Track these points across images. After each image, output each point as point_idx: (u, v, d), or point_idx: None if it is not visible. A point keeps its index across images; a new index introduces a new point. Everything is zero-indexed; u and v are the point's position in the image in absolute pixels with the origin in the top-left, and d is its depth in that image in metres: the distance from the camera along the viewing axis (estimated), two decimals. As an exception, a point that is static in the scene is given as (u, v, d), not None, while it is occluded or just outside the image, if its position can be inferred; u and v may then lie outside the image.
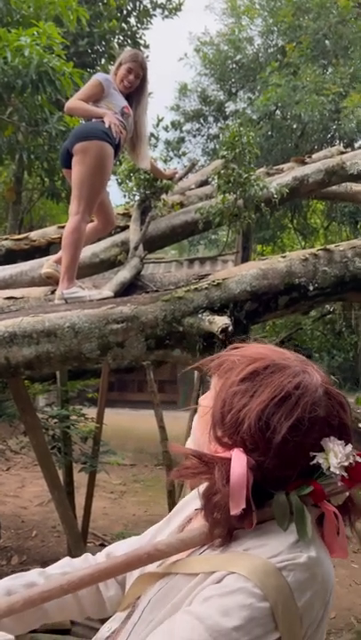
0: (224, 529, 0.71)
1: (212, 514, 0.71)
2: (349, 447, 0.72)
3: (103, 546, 4.40)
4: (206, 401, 0.82)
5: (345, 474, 0.71)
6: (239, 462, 0.69)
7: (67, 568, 0.95)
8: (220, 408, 0.75)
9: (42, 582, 0.90)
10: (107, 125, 2.92)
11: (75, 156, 2.92)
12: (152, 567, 0.78)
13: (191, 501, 0.91)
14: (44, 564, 3.92)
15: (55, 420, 3.94)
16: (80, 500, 4.06)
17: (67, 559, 0.99)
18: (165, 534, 0.89)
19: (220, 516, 0.70)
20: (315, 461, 0.71)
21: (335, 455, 0.71)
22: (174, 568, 0.75)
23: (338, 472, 0.70)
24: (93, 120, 3.01)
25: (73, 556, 3.51)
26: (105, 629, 0.83)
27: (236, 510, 0.67)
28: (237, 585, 0.65)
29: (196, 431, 0.84)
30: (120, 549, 0.99)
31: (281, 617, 0.64)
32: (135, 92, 3.21)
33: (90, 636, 0.90)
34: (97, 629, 0.87)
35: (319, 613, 0.68)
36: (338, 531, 0.73)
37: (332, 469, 0.70)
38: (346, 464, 0.71)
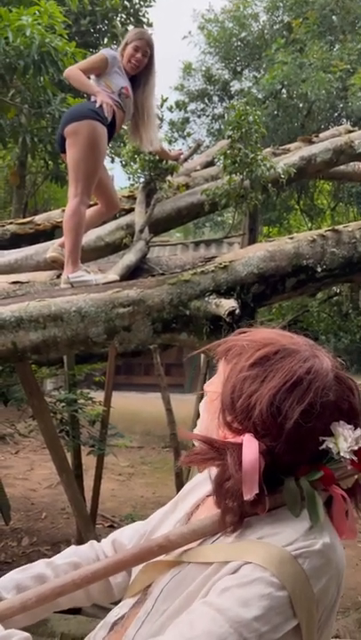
0: (236, 515, 0.71)
1: (225, 500, 0.71)
2: (359, 431, 0.72)
3: (112, 527, 4.46)
4: (213, 386, 0.82)
5: (355, 457, 0.71)
6: (251, 447, 0.69)
7: (74, 557, 0.95)
8: (230, 393, 0.75)
9: (49, 573, 0.90)
10: (97, 104, 2.88)
11: (67, 138, 2.89)
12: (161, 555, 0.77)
13: (198, 485, 0.91)
14: (54, 545, 4.00)
15: (63, 404, 3.95)
16: (89, 482, 4.09)
17: (72, 548, 0.99)
18: (172, 519, 0.89)
19: (232, 502, 0.70)
20: (324, 446, 0.71)
21: (345, 439, 0.71)
22: (186, 557, 0.74)
23: (348, 456, 0.70)
24: (91, 98, 2.96)
25: (82, 537, 3.53)
26: (113, 614, 0.83)
27: (249, 495, 0.67)
28: (255, 575, 0.65)
29: (204, 417, 0.83)
30: (125, 535, 0.99)
31: (299, 604, 0.64)
32: (142, 72, 3.15)
33: (101, 615, 0.90)
34: (107, 609, 0.88)
35: (333, 597, 0.69)
36: (346, 513, 0.73)
37: (342, 454, 0.71)
38: (356, 448, 0.71)
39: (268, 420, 0.71)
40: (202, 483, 0.89)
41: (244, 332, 0.82)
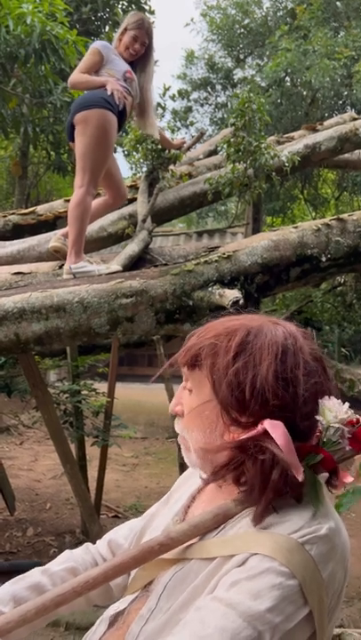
0: (286, 497, 0.69)
1: (272, 492, 0.68)
2: (346, 405, 0.72)
3: (116, 517, 4.47)
4: (195, 399, 0.78)
5: (346, 429, 0.71)
6: (279, 430, 0.68)
7: (69, 563, 0.92)
8: (230, 392, 0.72)
9: (46, 581, 0.87)
10: (109, 92, 2.84)
11: (76, 126, 2.85)
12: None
13: (191, 476, 0.89)
14: (59, 535, 4.02)
15: (66, 395, 3.95)
16: (93, 472, 4.11)
17: (67, 552, 0.96)
18: (166, 512, 0.87)
19: (279, 491, 0.68)
20: (316, 417, 0.71)
21: (330, 410, 0.71)
22: (188, 553, 0.73)
23: (338, 425, 0.70)
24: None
25: (87, 527, 3.54)
26: (112, 609, 0.81)
27: (300, 475, 0.67)
28: (264, 565, 0.64)
29: (197, 436, 0.78)
30: (121, 534, 0.97)
31: (309, 591, 0.64)
32: (140, 58, 3.11)
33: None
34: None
35: (341, 581, 0.69)
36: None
37: (331, 425, 0.70)
38: (344, 416, 0.71)
39: (283, 394, 0.70)
40: (195, 474, 0.86)
41: (197, 333, 0.80)
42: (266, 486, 0.68)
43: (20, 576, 0.88)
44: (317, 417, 0.71)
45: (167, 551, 0.73)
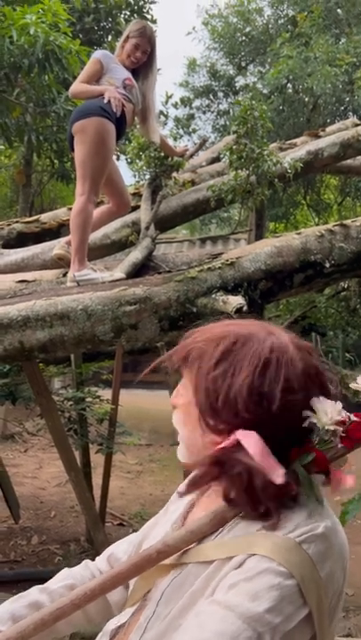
0: (276, 506, 0.68)
1: (263, 502, 0.68)
2: (339, 404, 0.71)
3: (121, 525, 4.46)
4: (183, 398, 0.79)
5: (340, 429, 0.70)
6: (250, 438, 0.68)
7: (69, 580, 0.91)
8: (206, 398, 0.73)
9: (45, 599, 0.86)
10: (105, 100, 2.86)
11: (75, 136, 2.89)
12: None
13: None
14: (64, 543, 4.01)
15: (71, 403, 3.95)
16: (97, 480, 4.10)
17: (65, 570, 0.95)
18: (165, 521, 0.87)
19: (271, 498, 0.67)
20: (307, 423, 0.70)
21: (325, 413, 0.70)
22: (186, 558, 0.72)
23: (333, 428, 0.69)
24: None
25: (91, 535, 3.52)
26: (112, 622, 0.80)
27: (279, 478, 0.66)
28: (262, 566, 0.63)
29: (183, 432, 0.79)
30: (121, 549, 0.96)
31: (308, 591, 0.63)
32: (143, 66, 3.14)
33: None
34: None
35: (340, 581, 0.68)
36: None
37: (326, 428, 0.69)
38: (339, 418, 0.70)
39: (254, 408, 0.70)
40: None
41: (194, 333, 0.80)
42: (256, 499, 0.68)
43: (18, 595, 0.87)
44: (312, 419, 0.70)
45: (165, 558, 0.72)
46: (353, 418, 0.71)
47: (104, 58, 3.03)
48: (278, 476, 0.66)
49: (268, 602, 0.61)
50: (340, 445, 0.71)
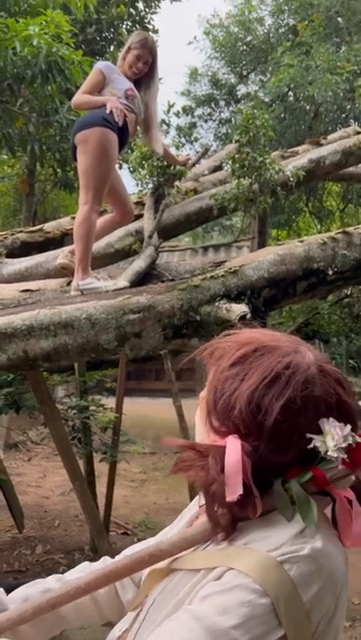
0: (227, 521, 0.68)
1: (213, 505, 0.68)
2: (348, 428, 0.68)
3: (125, 534, 4.44)
4: (203, 393, 0.80)
5: (344, 456, 0.67)
6: (233, 448, 0.66)
7: (83, 574, 0.92)
8: (213, 395, 0.73)
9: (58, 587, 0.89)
10: (108, 111, 2.89)
11: (78, 146, 2.92)
12: (161, 564, 0.75)
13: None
14: (68, 553, 3.99)
15: (74, 411, 3.95)
16: (101, 488, 4.09)
17: (85, 564, 0.97)
18: (176, 530, 0.87)
19: (220, 506, 0.67)
20: (312, 445, 0.67)
21: (332, 437, 0.67)
22: (178, 564, 0.73)
23: (336, 455, 0.67)
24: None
25: (96, 544, 3.51)
26: (116, 630, 0.81)
27: (231, 497, 0.64)
28: (236, 581, 0.62)
29: (198, 425, 0.81)
30: (137, 549, 0.97)
31: (284, 613, 0.60)
32: (145, 76, 3.16)
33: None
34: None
35: (330, 608, 0.65)
36: (351, 516, 0.69)
37: (329, 453, 0.67)
38: (344, 445, 0.67)
39: (247, 418, 0.68)
40: None
41: (229, 334, 0.79)
42: (207, 499, 0.68)
43: (36, 580, 0.90)
44: (316, 442, 0.68)
45: (157, 562, 0.73)
46: (357, 439, 0.68)
47: (106, 69, 3.06)
48: (231, 494, 0.64)
49: (237, 618, 0.59)
50: (340, 467, 0.68)
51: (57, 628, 0.88)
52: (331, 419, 0.68)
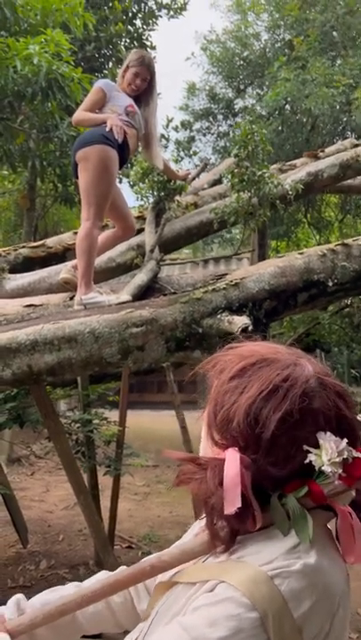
0: (226, 533, 0.68)
1: (212, 517, 0.69)
2: (344, 442, 0.67)
3: (130, 548, 4.42)
4: (206, 406, 0.81)
5: (339, 470, 0.66)
6: (232, 461, 0.66)
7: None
8: (213, 408, 0.74)
9: None
10: (108, 128, 2.94)
11: (78, 164, 2.96)
12: (166, 576, 0.77)
13: None
14: (73, 567, 3.98)
15: (78, 425, 3.96)
16: (105, 502, 4.08)
17: (103, 572, 0.98)
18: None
19: (219, 519, 0.68)
20: (308, 460, 0.67)
21: (326, 452, 0.67)
22: (178, 577, 0.74)
23: (329, 469, 0.66)
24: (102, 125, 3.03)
25: (100, 558, 3.49)
26: (127, 639, 0.83)
27: (230, 509, 0.64)
28: (226, 594, 0.62)
29: (202, 437, 0.81)
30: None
31: (273, 628, 0.60)
32: (143, 93, 3.22)
33: (122, 638, 0.91)
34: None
35: (325, 626, 0.64)
36: (354, 532, 0.68)
37: (323, 468, 0.66)
38: (338, 460, 0.66)
39: (245, 431, 0.69)
40: None
41: (232, 347, 0.80)
42: (206, 512, 0.68)
43: (55, 587, 0.94)
44: (311, 457, 0.67)
45: (158, 573, 0.75)
46: (354, 454, 0.68)
47: (106, 86, 3.12)
48: (230, 507, 0.64)
49: (224, 630, 0.60)
50: (337, 482, 0.67)
51: (75, 635, 0.90)
52: (328, 433, 0.68)
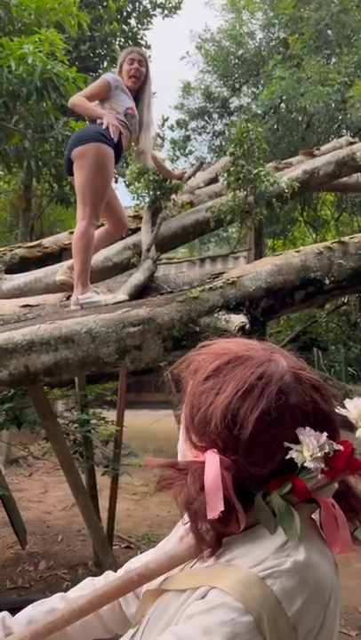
0: (211, 537, 0.67)
1: (196, 522, 0.67)
2: (324, 436, 0.67)
3: (128, 548, 4.41)
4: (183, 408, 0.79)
5: (322, 465, 0.66)
6: (212, 463, 0.66)
7: (88, 590, 0.92)
8: (190, 410, 0.73)
9: (62, 607, 0.88)
10: (104, 126, 2.92)
11: (74, 161, 2.92)
12: (154, 583, 0.75)
13: None
14: (71, 568, 3.97)
15: (76, 425, 3.95)
16: (103, 502, 4.07)
17: (88, 580, 0.96)
18: (169, 544, 0.87)
19: (203, 523, 0.67)
20: (289, 456, 0.67)
21: (308, 448, 0.66)
22: (167, 585, 0.72)
23: (312, 465, 0.66)
24: (97, 122, 3.01)
25: (99, 559, 3.49)
26: None
27: (212, 514, 0.63)
28: (218, 600, 0.62)
29: (180, 441, 0.79)
30: (139, 562, 0.97)
31: (269, 629, 0.60)
32: (140, 90, 3.20)
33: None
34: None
35: (318, 620, 0.64)
36: (337, 522, 0.68)
37: (306, 464, 0.66)
38: (319, 455, 0.66)
39: (223, 432, 0.68)
40: None
41: (205, 346, 0.79)
42: (190, 517, 0.67)
43: (41, 600, 0.91)
44: (293, 453, 0.67)
45: (147, 581, 0.73)
46: (335, 447, 0.68)
47: (114, 82, 3.07)
48: (212, 510, 0.63)
49: (220, 637, 0.59)
50: (320, 476, 0.67)
51: None
52: (307, 428, 0.67)
